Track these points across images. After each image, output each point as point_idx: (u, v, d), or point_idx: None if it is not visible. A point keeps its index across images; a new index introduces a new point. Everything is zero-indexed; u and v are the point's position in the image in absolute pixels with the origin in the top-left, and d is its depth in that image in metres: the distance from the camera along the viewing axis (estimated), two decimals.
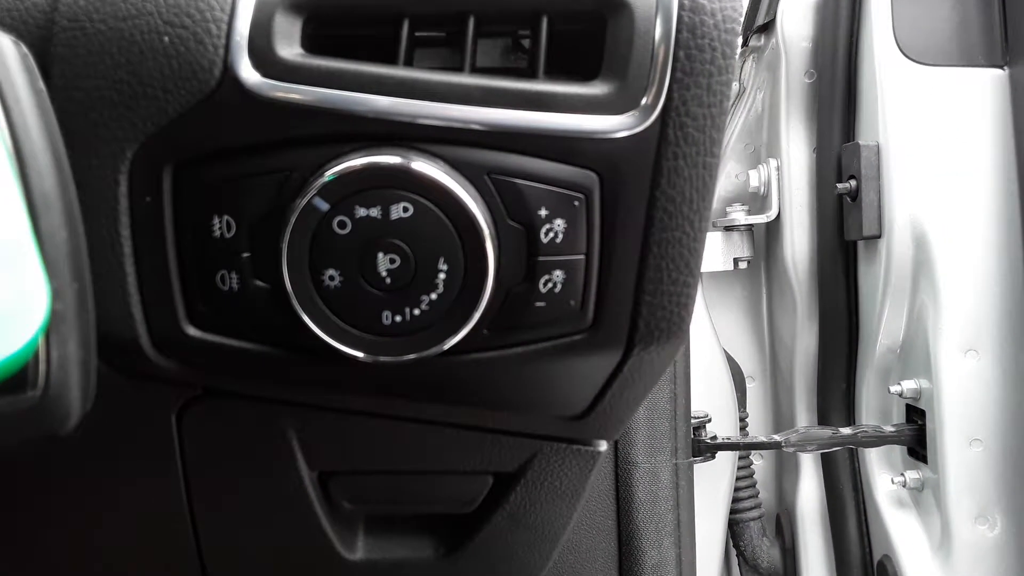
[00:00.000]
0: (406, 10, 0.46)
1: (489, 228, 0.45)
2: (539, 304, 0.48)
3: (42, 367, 0.31)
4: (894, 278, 1.25)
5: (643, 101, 0.46)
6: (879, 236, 1.25)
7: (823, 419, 1.39)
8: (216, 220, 0.47)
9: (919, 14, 1.22)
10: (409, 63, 0.47)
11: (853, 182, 1.24)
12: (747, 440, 1.27)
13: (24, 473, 0.59)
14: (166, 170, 0.47)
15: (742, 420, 1.41)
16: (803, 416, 1.43)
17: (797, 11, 1.35)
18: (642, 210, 0.47)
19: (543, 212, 0.47)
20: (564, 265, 0.48)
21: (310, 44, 0.47)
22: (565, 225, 0.47)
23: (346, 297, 0.46)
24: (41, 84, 0.35)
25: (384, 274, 0.46)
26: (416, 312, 0.46)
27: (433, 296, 0.46)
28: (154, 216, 0.47)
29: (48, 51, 0.45)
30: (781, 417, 1.49)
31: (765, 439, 1.25)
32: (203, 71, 0.45)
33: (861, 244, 1.33)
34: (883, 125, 1.22)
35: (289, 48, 0.46)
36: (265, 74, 0.45)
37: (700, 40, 0.45)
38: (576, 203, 0.47)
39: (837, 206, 1.32)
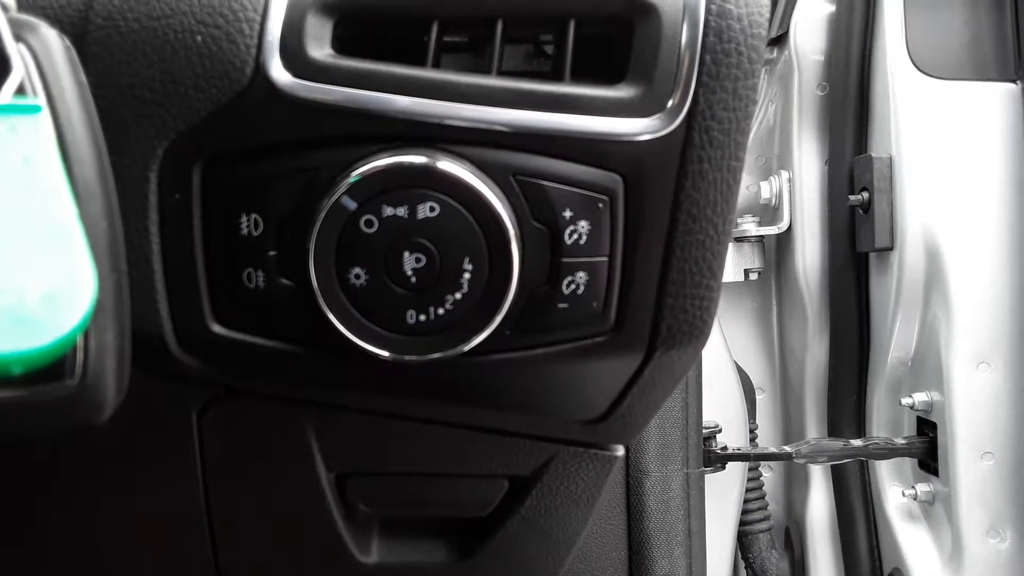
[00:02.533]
0: (436, 13, 0.47)
1: (514, 229, 0.46)
2: (562, 305, 0.48)
3: (79, 356, 0.31)
4: (906, 290, 1.25)
5: (669, 104, 0.46)
6: (891, 248, 1.25)
7: (833, 431, 1.39)
8: (244, 218, 0.48)
9: (932, 28, 1.23)
10: (437, 66, 0.48)
11: (865, 194, 1.25)
12: (757, 451, 1.27)
13: (42, 469, 0.59)
14: (195, 168, 0.47)
15: (752, 432, 1.40)
16: (813, 428, 1.42)
17: (810, 24, 1.35)
18: (666, 213, 0.47)
19: (568, 214, 0.47)
20: (587, 267, 0.48)
21: (340, 45, 0.47)
22: (589, 227, 0.47)
23: (372, 296, 0.46)
24: (83, 77, 0.36)
25: (410, 273, 0.46)
26: (440, 311, 0.47)
27: (458, 296, 0.46)
28: (182, 213, 0.48)
29: (82, 49, 0.46)
30: (791, 429, 1.49)
31: (775, 450, 1.25)
32: (235, 70, 0.46)
33: (873, 256, 1.33)
34: (895, 137, 1.23)
35: (320, 49, 0.46)
36: (296, 74, 0.46)
37: (727, 44, 0.46)
38: (600, 205, 0.47)
39: (849, 218, 1.32)
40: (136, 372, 0.51)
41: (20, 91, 0.30)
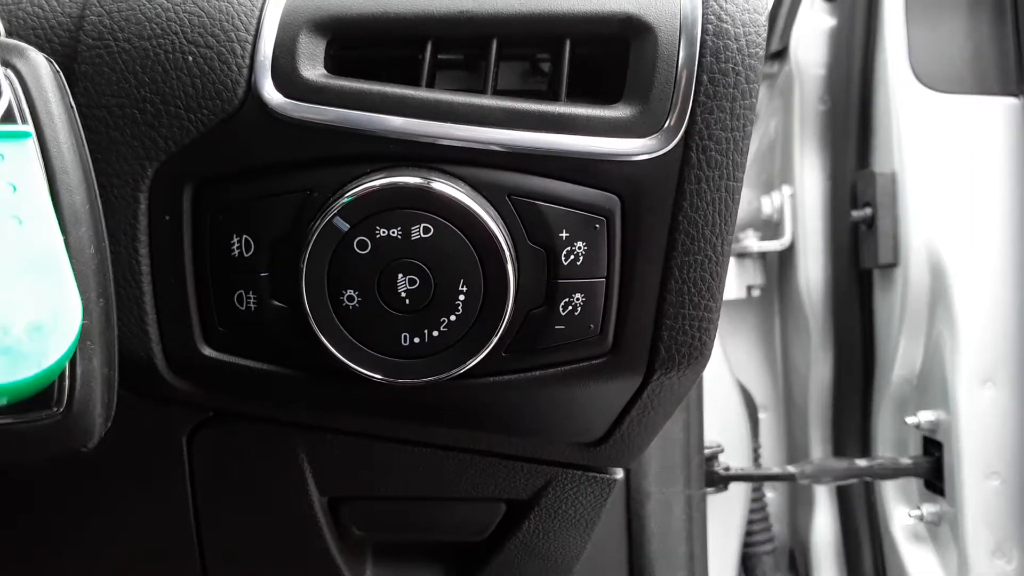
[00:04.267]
0: (431, 32, 0.46)
1: (510, 250, 0.45)
2: (559, 327, 0.48)
3: (66, 383, 0.31)
4: (910, 307, 1.24)
5: (666, 124, 0.45)
6: (895, 264, 1.24)
7: (838, 450, 1.37)
8: (235, 239, 0.47)
9: (934, 42, 1.23)
10: (431, 85, 0.47)
11: (869, 210, 1.24)
12: (761, 472, 1.25)
13: (27, 490, 0.58)
14: (186, 189, 0.47)
15: (755, 451, 1.39)
16: (817, 447, 1.41)
17: (811, 38, 1.35)
18: (664, 233, 0.47)
19: (564, 234, 0.46)
20: (584, 288, 0.47)
21: (333, 65, 0.47)
22: (586, 248, 0.47)
23: (365, 318, 0.46)
24: (72, 101, 0.35)
25: (403, 295, 0.45)
26: (435, 334, 0.46)
27: (452, 318, 0.46)
28: (173, 234, 0.47)
29: (73, 69, 0.46)
30: (795, 448, 1.47)
31: (779, 471, 1.23)
32: (226, 91, 0.45)
33: (877, 272, 1.32)
34: (898, 152, 1.22)
35: (313, 69, 0.46)
36: (288, 95, 0.45)
37: (724, 64, 0.45)
38: (597, 226, 0.46)
39: (852, 233, 1.31)
40: (125, 394, 0.50)
41: (7, 116, 0.30)
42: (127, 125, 0.46)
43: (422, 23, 0.46)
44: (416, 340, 0.46)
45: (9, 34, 0.46)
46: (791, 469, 1.23)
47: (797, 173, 1.37)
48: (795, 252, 1.39)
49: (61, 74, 0.36)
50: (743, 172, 0.46)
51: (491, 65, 0.46)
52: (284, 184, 0.46)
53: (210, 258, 0.48)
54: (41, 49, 0.46)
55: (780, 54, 1.38)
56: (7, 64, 0.31)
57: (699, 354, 0.49)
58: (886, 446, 1.32)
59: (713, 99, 0.45)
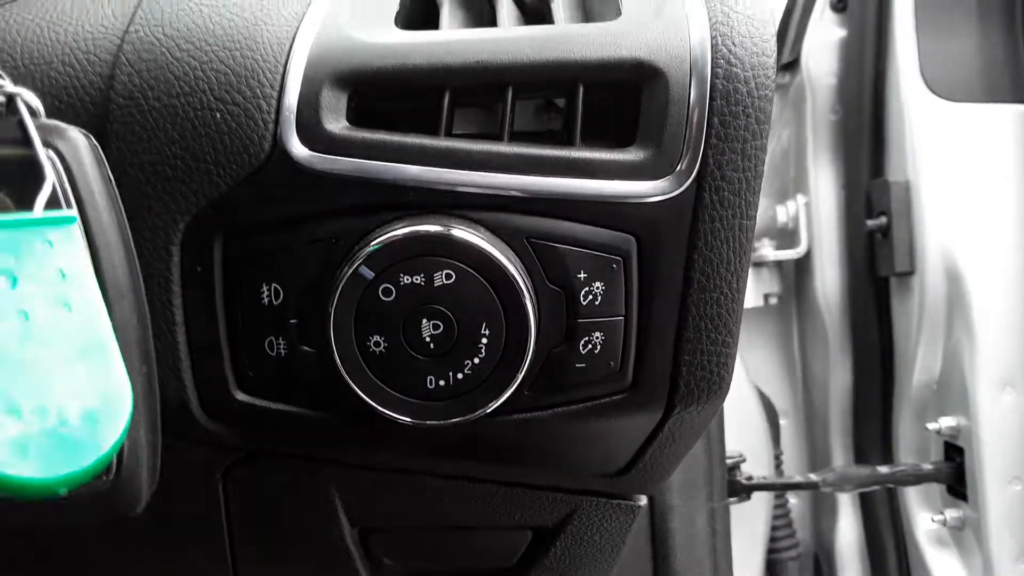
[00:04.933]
0: (448, 83, 0.47)
1: (530, 293, 0.46)
2: (579, 365, 0.49)
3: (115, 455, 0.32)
4: (928, 314, 1.24)
5: (678, 167, 0.46)
6: (912, 272, 1.24)
7: (859, 456, 1.37)
8: (265, 288, 0.48)
9: (945, 50, 1.23)
10: (450, 131, 0.48)
11: (884, 218, 1.24)
12: (783, 480, 1.25)
13: (66, 535, 0.60)
14: (217, 240, 0.48)
15: (777, 458, 1.39)
16: (839, 452, 1.41)
17: (821, 49, 1.35)
18: (680, 272, 0.48)
19: (582, 275, 0.48)
20: (603, 327, 0.48)
21: (354, 115, 0.48)
22: (604, 287, 0.48)
23: (391, 362, 0.47)
24: (109, 172, 0.37)
25: (428, 339, 0.47)
26: (460, 376, 0.47)
27: (476, 360, 0.47)
28: (205, 285, 0.49)
29: (105, 128, 0.47)
30: (816, 454, 1.48)
31: (801, 479, 1.24)
32: (253, 146, 0.47)
33: (894, 280, 1.32)
34: (912, 161, 1.22)
35: (336, 122, 0.47)
36: (313, 148, 0.47)
37: (734, 107, 0.46)
38: (614, 266, 0.48)
39: (868, 242, 1.31)
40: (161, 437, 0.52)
41: (52, 201, 0.31)
42: (159, 181, 0.47)
43: (439, 74, 0.47)
44: (441, 383, 0.47)
45: (42, 94, 0.48)
46: (813, 477, 1.23)
47: (811, 182, 1.37)
48: (811, 260, 1.39)
49: (99, 147, 0.38)
50: (756, 210, 0.48)
51: (507, 112, 0.48)
52: (310, 233, 0.48)
53: (241, 306, 0.49)
54: (73, 108, 0.48)
55: (791, 65, 1.38)
56: (48, 145, 0.32)
57: (718, 388, 0.50)
58: (907, 451, 1.32)
59: (724, 141, 0.46)
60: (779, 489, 1.28)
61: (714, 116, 0.46)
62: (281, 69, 0.47)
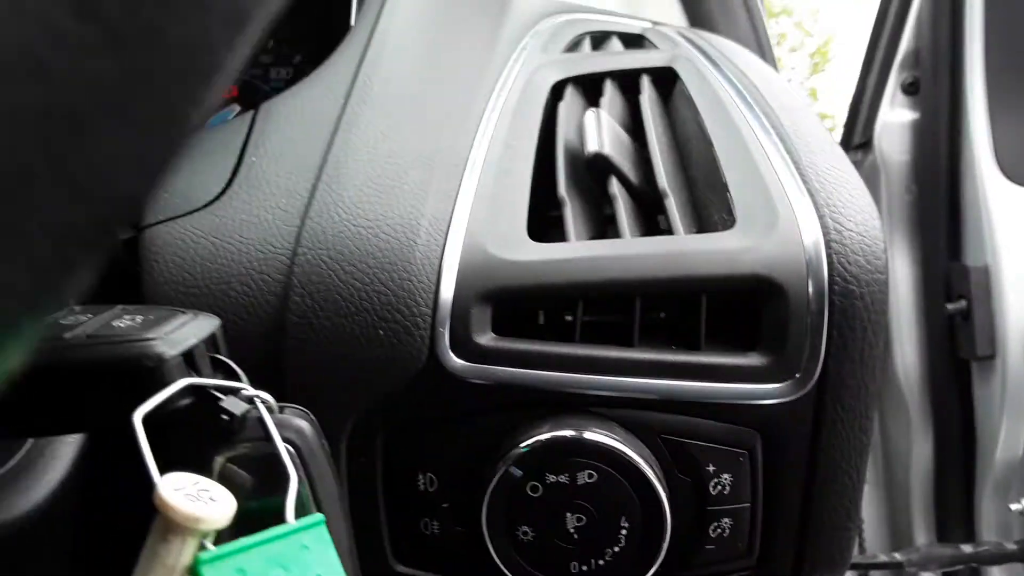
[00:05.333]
0: (582, 296, 0.53)
1: (664, 489, 0.51)
2: (709, 547, 0.53)
3: None
4: (1010, 394, 1.25)
5: (799, 373, 0.51)
6: (993, 356, 1.25)
7: (941, 532, 1.38)
8: (421, 477, 0.54)
9: (1018, 135, 1.24)
10: (584, 335, 0.53)
11: (963, 302, 1.26)
12: (868, 560, 1.27)
13: None
14: (379, 436, 0.54)
15: (859, 528, 1.41)
16: (921, 527, 1.42)
17: (894, 130, 1.38)
18: (803, 465, 0.52)
19: (711, 467, 0.52)
20: (732, 513, 0.53)
21: (497, 325, 0.54)
22: (731, 479, 0.52)
23: (539, 550, 0.52)
24: (326, 442, 0.42)
25: (572, 531, 0.52)
26: (601, 563, 0.52)
27: (616, 549, 0.52)
28: (367, 473, 0.55)
29: (283, 343, 0.54)
30: (898, 527, 1.49)
31: (886, 558, 1.25)
32: (412, 358, 0.53)
33: (975, 361, 1.33)
34: (990, 246, 1.24)
35: (483, 335, 0.53)
36: (464, 358, 0.52)
37: (851, 321, 0.50)
38: (741, 459, 0.52)
39: (947, 323, 1.33)
40: None
41: (300, 503, 0.36)
42: (328, 388, 0.53)
43: (574, 290, 0.53)
44: (584, 568, 0.52)
45: (223, 311, 0.54)
46: (898, 557, 1.25)
47: (889, 261, 1.39)
48: (890, 338, 1.41)
49: (317, 423, 0.44)
50: (875, 411, 0.52)
51: (635, 322, 0.53)
52: (461, 432, 0.53)
53: (399, 492, 0.55)
54: (254, 323, 0.54)
55: (864, 145, 1.41)
56: (287, 440, 0.38)
57: (840, 563, 0.54)
58: (990, 529, 1.33)
59: (843, 350, 0.50)
60: (864, 568, 1.29)
61: (833, 329, 0.50)
62: (433, 289, 0.53)
